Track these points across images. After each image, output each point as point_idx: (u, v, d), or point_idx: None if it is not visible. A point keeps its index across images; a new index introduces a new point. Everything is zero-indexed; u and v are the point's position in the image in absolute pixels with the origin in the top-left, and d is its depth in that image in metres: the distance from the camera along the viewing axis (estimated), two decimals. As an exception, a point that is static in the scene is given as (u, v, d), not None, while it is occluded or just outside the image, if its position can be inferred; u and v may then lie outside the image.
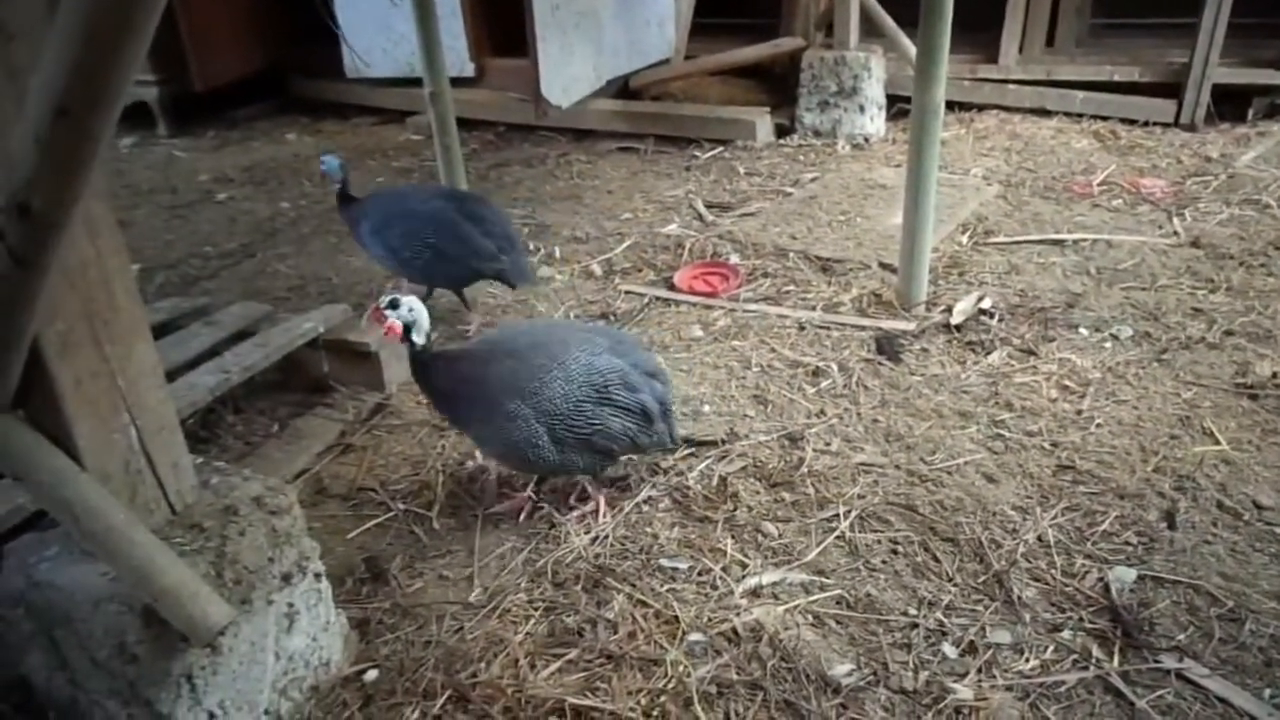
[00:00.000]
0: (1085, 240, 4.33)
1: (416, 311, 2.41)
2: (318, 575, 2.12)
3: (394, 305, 2.41)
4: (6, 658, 2.07)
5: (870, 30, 5.98)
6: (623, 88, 6.92)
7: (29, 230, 1.34)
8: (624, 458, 2.71)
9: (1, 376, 1.60)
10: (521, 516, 2.69)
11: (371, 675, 2.19)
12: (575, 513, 2.68)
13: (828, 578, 2.42)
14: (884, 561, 2.48)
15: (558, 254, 4.59)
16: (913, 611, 2.31)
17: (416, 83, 7.11)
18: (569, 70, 6.09)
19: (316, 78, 7.87)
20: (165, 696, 1.80)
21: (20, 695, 2.06)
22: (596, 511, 2.67)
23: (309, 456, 3.04)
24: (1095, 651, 2.17)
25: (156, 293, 4.29)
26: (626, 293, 4.12)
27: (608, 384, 2.49)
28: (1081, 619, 2.27)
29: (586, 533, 2.60)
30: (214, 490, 2.02)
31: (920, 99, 3.48)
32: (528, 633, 2.28)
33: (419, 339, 2.43)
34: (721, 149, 6.10)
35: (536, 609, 2.35)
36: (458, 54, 6.82)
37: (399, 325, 2.41)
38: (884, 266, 4.15)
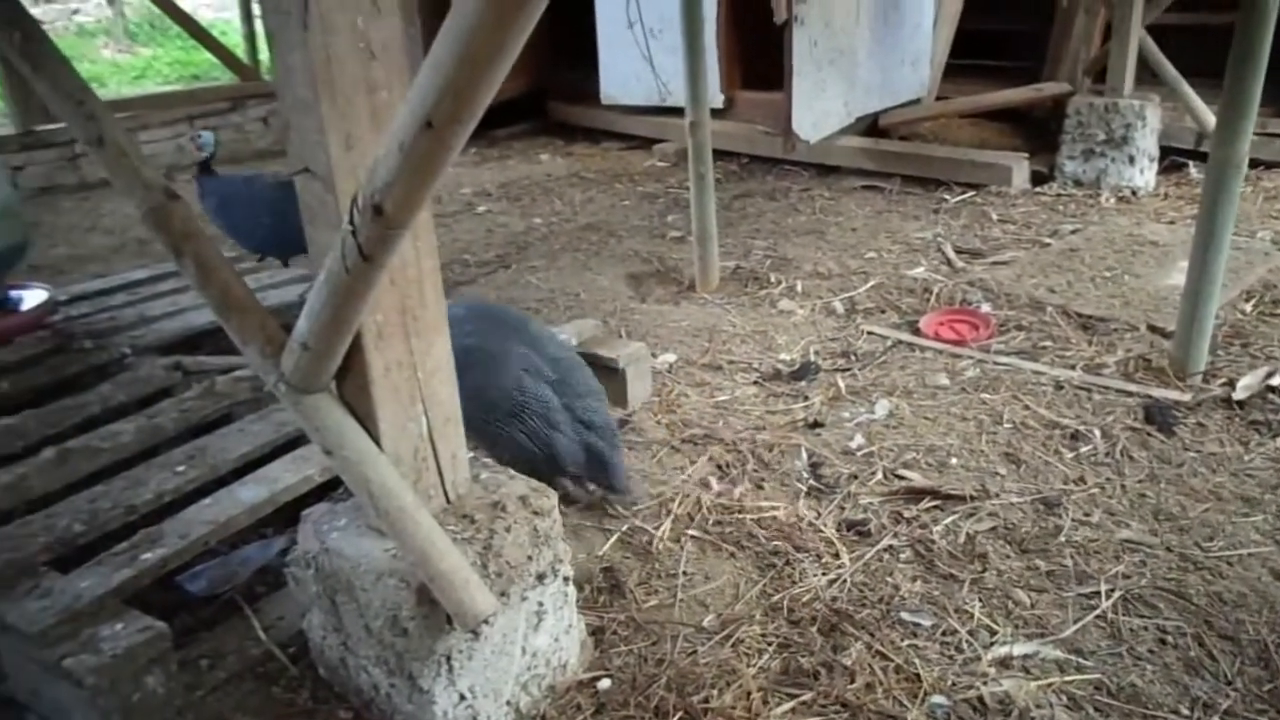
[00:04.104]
0: (1402, 321, 3.83)
1: None
2: (566, 579, 2.19)
3: None
4: (293, 611, 2.27)
5: (1143, 78, 5.61)
6: (871, 125, 6.83)
7: (379, 229, 1.48)
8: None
9: (330, 358, 1.76)
10: None
11: (605, 684, 2.23)
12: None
13: (1086, 659, 2.24)
14: (1151, 651, 2.27)
15: (799, 288, 4.56)
16: (1184, 711, 2.09)
17: (664, 111, 7.38)
18: (820, 105, 6.08)
19: (573, 103, 8.28)
20: (427, 672, 1.91)
21: (298, 647, 2.25)
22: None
23: (553, 463, 3.15)
24: None
25: (421, 294, 4.62)
26: (869, 334, 4.03)
27: (525, 405, 2.66)
28: (1393, 752, 1.99)
29: (824, 573, 2.55)
30: (484, 485, 2.14)
31: (1220, 153, 3.20)
32: (761, 667, 2.25)
33: None
34: (972, 193, 5.87)
35: (770, 644, 2.32)
36: (710, 86, 6.97)
37: None
38: (1154, 330, 3.84)
